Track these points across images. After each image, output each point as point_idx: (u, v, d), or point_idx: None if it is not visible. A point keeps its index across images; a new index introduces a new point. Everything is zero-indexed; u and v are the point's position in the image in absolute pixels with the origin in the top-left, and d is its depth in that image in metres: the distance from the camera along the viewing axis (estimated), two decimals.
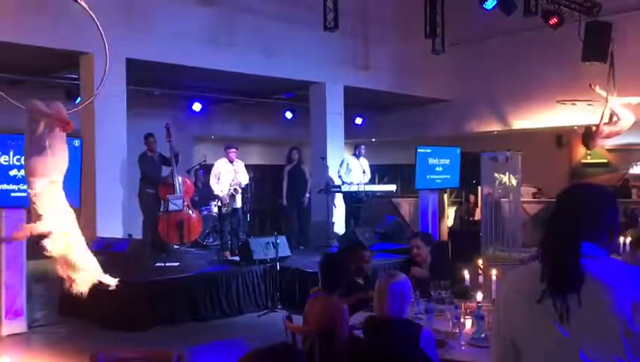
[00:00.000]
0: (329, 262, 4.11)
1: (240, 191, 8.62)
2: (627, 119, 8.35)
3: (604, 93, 8.36)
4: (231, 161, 8.68)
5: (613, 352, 1.62)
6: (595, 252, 1.70)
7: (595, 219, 1.74)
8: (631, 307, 1.60)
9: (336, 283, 3.93)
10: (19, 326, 6.47)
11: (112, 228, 8.22)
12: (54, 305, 7.52)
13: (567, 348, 1.66)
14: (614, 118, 8.44)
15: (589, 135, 8.49)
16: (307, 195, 9.97)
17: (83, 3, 3.89)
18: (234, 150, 8.74)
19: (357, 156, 10.19)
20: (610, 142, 13.21)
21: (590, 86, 8.43)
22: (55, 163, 3.88)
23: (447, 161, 10.82)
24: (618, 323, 1.60)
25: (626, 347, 1.60)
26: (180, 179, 8.97)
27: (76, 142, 6.42)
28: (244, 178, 8.73)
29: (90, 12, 3.95)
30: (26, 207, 6.55)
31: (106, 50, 4.07)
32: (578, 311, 1.64)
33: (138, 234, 8.88)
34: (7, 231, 6.40)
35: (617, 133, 8.69)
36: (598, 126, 8.35)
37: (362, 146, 10.29)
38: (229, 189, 8.52)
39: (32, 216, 3.65)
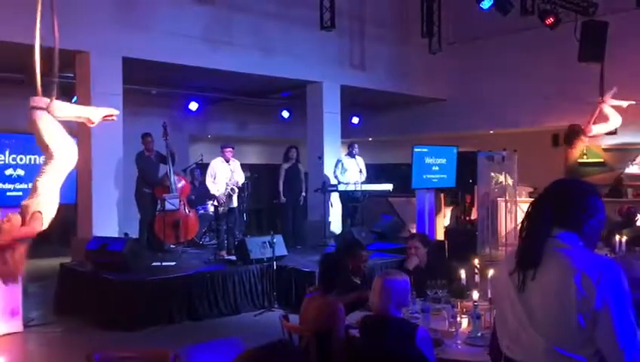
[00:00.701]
0: (328, 261, 4.11)
1: (237, 190, 8.61)
2: (616, 121, 8.43)
3: (623, 104, 8.43)
4: (227, 161, 8.67)
5: (568, 319, 1.87)
6: (567, 240, 1.97)
7: (564, 210, 2.01)
8: (587, 286, 1.84)
9: (334, 283, 3.94)
10: (15, 325, 6.45)
11: (108, 227, 8.21)
12: (50, 305, 7.51)
13: (522, 316, 1.97)
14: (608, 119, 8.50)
15: (574, 133, 8.54)
16: (303, 194, 9.97)
17: None
18: (230, 149, 8.73)
19: (352, 155, 10.19)
20: (605, 142, 13.25)
21: (601, 99, 8.46)
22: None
23: (444, 161, 10.84)
24: (574, 301, 1.85)
25: (581, 322, 1.85)
26: (177, 178, 8.96)
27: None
28: (240, 177, 8.73)
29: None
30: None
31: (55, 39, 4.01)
32: (532, 284, 1.95)
33: (134, 234, 8.87)
34: None
35: (602, 134, 8.83)
36: (587, 124, 8.39)
37: (355, 145, 10.29)
38: (226, 189, 8.51)
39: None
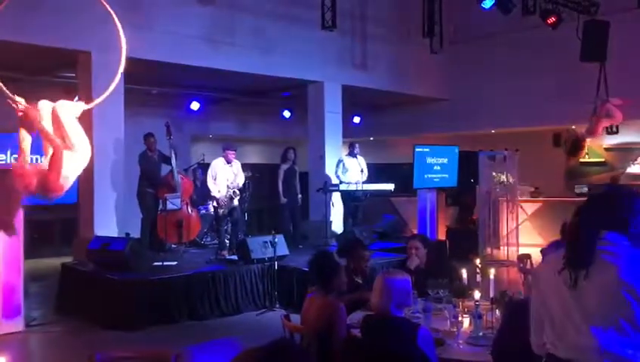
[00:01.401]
0: (318, 261, 4.09)
1: (239, 193, 8.61)
2: (619, 118, 8.47)
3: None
4: (228, 162, 8.67)
5: (619, 316, 2.00)
6: (614, 239, 2.12)
7: (612, 213, 2.18)
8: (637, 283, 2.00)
9: (330, 281, 3.90)
10: (16, 325, 6.46)
11: (109, 226, 8.21)
12: (51, 304, 7.52)
13: (574, 313, 2.09)
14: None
15: (579, 146, 8.57)
16: (299, 196, 9.97)
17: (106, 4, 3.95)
18: (233, 152, 8.70)
19: (353, 155, 10.19)
20: (607, 142, 13.25)
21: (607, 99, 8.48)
22: None
23: (445, 160, 10.83)
24: (624, 299, 2.00)
25: (636, 311, 1.98)
26: (180, 177, 8.96)
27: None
28: (240, 178, 8.73)
29: (113, 13, 3.99)
30: (24, 206, 6.56)
31: (122, 49, 4.09)
32: (585, 283, 2.07)
33: (136, 233, 8.87)
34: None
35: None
36: (596, 125, 8.39)
37: (356, 145, 10.28)
38: (228, 192, 8.50)
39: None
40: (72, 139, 3.79)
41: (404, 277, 3.43)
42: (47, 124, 3.86)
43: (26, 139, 3.84)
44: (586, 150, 8.87)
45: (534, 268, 2.40)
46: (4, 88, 3.98)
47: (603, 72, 8.76)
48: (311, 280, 4.06)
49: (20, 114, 3.85)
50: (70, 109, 4.13)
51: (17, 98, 3.99)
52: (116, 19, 3.87)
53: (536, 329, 2.31)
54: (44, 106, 4.09)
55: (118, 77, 4.35)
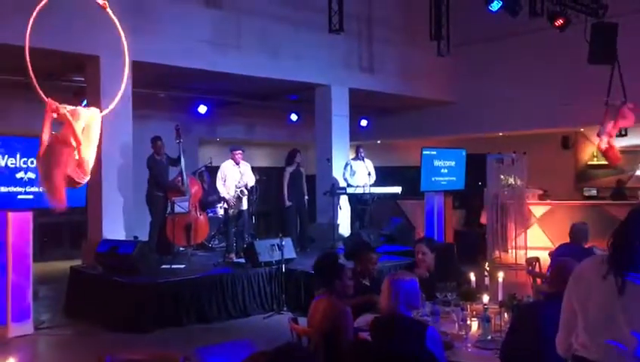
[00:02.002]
0: (321, 262, 4.10)
1: (246, 193, 8.62)
2: (630, 121, 8.50)
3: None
4: (237, 163, 8.69)
5: None
6: None
7: None
8: None
9: (332, 283, 3.88)
10: (25, 328, 6.50)
11: (118, 230, 8.24)
12: (60, 307, 7.55)
13: (619, 316, 2.10)
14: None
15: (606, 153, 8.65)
16: (306, 198, 9.95)
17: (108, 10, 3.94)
18: (240, 152, 8.74)
19: (360, 159, 10.18)
20: (616, 144, 13.17)
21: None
22: None
23: (453, 163, 10.81)
24: None
25: None
26: (189, 180, 8.97)
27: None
28: (250, 179, 8.74)
29: (114, 18, 3.99)
30: (33, 209, 6.60)
31: (125, 54, 4.09)
32: (632, 288, 2.10)
33: (144, 236, 8.90)
34: (15, 235, 6.43)
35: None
36: (614, 128, 8.42)
37: (361, 149, 10.30)
38: (235, 191, 8.53)
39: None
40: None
41: (412, 278, 3.44)
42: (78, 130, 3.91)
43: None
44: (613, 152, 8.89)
45: (574, 270, 2.39)
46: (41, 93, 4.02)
47: (618, 73, 8.73)
48: (315, 282, 4.06)
49: (55, 116, 3.88)
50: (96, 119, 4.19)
51: (63, 107, 4.03)
52: (119, 26, 3.87)
53: (564, 329, 2.31)
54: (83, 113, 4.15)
55: (124, 85, 4.33)
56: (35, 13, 3.86)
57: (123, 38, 4.02)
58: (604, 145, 8.61)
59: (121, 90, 4.28)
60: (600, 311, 2.16)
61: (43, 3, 3.88)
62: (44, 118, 3.82)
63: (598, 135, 8.69)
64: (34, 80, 3.87)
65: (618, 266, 2.13)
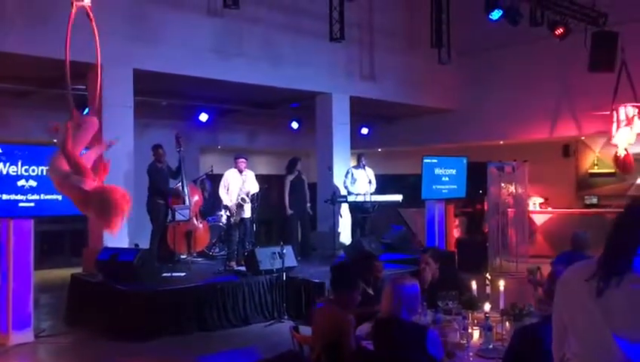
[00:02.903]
0: (341, 271, 4.10)
1: (248, 200, 8.62)
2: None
3: None
4: (240, 171, 8.71)
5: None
6: None
7: None
8: None
9: (345, 294, 3.88)
10: (26, 336, 6.48)
11: (118, 237, 8.22)
12: (61, 315, 7.54)
13: (601, 325, 2.05)
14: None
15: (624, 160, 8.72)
16: (308, 205, 9.95)
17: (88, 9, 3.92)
18: (243, 160, 8.76)
19: (361, 166, 10.19)
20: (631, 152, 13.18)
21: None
22: None
23: (454, 171, 10.81)
24: None
25: None
26: (190, 188, 8.98)
27: (83, 152, 6.46)
28: (253, 187, 8.75)
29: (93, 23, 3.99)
30: (34, 217, 6.61)
31: (98, 59, 4.09)
32: (615, 291, 2.01)
33: (145, 244, 8.89)
34: (15, 243, 6.43)
35: None
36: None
37: (363, 158, 10.32)
38: (237, 198, 8.54)
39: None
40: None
41: (413, 282, 3.48)
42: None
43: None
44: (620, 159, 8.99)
45: (560, 278, 2.36)
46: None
47: (628, 77, 8.78)
48: (332, 285, 4.05)
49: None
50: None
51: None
52: (95, 28, 3.87)
53: (556, 340, 2.29)
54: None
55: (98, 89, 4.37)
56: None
57: (98, 42, 4.01)
58: (621, 153, 8.65)
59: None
60: (584, 319, 2.13)
61: None
62: (67, 130, 3.82)
63: (611, 141, 8.76)
64: (69, 90, 3.90)
65: (604, 265, 2.10)
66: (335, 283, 3.98)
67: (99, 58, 4.04)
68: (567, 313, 2.21)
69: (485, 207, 11.83)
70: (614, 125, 9.23)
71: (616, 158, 9.10)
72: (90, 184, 3.76)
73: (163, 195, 8.81)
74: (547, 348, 2.47)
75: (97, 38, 3.94)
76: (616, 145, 8.85)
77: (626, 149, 8.68)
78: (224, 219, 9.53)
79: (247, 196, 8.62)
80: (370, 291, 4.80)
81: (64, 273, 8.81)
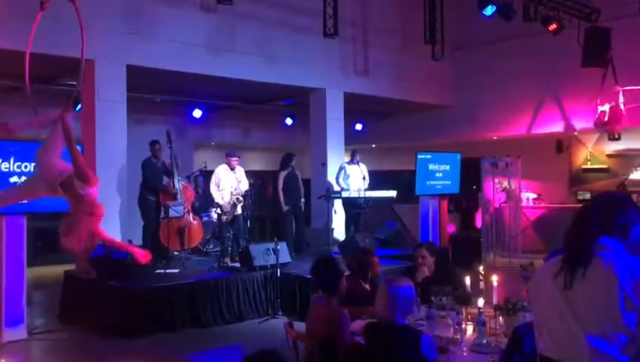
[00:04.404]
0: (322, 267, 4.07)
1: (242, 200, 8.60)
2: None
3: None
4: (232, 169, 8.68)
5: (609, 319, 2.03)
6: (609, 244, 2.16)
7: (607, 219, 2.21)
8: (634, 285, 2.02)
9: (335, 286, 3.88)
10: (19, 333, 6.46)
11: (111, 234, 8.19)
12: (54, 312, 7.51)
13: (566, 314, 2.13)
14: None
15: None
16: (302, 200, 9.94)
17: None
18: (236, 158, 8.73)
19: (355, 163, 10.19)
20: (609, 148, 13.24)
21: None
22: None
23: (448, 167, 10.82)
24: (618, 300, 2.02)
25: (626, 320, 2.01)
26: (181, 185, 8.97)
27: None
28: (244, 185, 8.73)
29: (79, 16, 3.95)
30: (27, 214, 6.58)
31: (82, 53, 4.06)
32: (582, 283, 2.10)
33: (138, 241, 8.87)
34: (8, 240, 6.41)
35: None
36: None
37: (357, 154, 10.32)
38: (231, 198, 8.51)
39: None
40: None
41: (408, 283, 3.44)
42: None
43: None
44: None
45: (534, 275, 2.43)
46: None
47: (612, 72, 8.79)
48: (314, 285, 4.04)
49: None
50: None
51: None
52: (82, 23, 3.84)
53: (537, 333, 2.35)
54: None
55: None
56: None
57: (84, 37, 3.98)
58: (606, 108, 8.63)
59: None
60: (553, 311, 2.20)
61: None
62: (66, 123, 3.80)
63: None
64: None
65: (567, 259, 2.18)
66: (325, 280, 3.96)
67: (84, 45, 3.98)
68: (539, 310, 2.31)
69: (479, 202, 11.85)
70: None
71: (601, 116, 8.96)
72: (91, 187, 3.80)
73: (154, 191, 8.79)
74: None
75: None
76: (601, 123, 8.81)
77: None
78: (215, 216, 9.51)
79: (241, 196, 8.61)
80: (367, 287, 4.78)
81: (57, 270, 8.77)
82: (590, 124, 9.28)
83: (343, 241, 9.66)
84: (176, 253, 8.88)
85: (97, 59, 8.16)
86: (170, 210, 8.23)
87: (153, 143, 8.94)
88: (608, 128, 9.23)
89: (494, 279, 4.40)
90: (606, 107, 8.60)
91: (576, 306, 2.12)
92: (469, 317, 4.07)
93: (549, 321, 2.23)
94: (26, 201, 4.16)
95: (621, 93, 8.63)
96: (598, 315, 2.08)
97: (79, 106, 8.46)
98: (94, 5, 7.70)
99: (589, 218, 2.25)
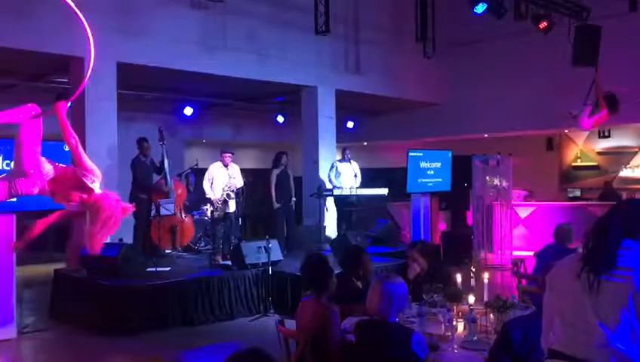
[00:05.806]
0: (311, 264, 4.07)
1: (233, 196, 8.58)
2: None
3: None
4: (225, 166, 8.67)
5: (629, 319, 2.15)
6: (631, 245, 2.27)
7: (632, 223, 2.31)
8: None
9: (325, 284, 3.88)
10: (8, 332, 6.41)
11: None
12: (45, 311, 7.47)
13: (588, 313, 2.22)
14: None
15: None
16: (293, 199, 9.94)
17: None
18: (229, 155, 8.71)
19: (346, 160, 10.20)
20: (599, 146, 13.33)
21: None
22: None
23: (439, 165, 10.86)
24: (630, 293, 2.16)
25: (632, 310, 2.15)
26: (173, 183, 8.94)
27: (66, 147, 6.38)
28: (238, 182, 8.72)
29: (78, 12, 3.89)
30: (16, 212, 6.53)
31: (92, 52, 4.00)
32: (606, 284, 2.21)
33: (129, 239, 8.84)
34: None
35: None
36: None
37: (348, 151, 10.33)
38: (222, 193, 8.50)
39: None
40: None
41: (401, 281, 3.44)
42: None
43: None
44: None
45: (552, 270, 2.53)
46: None
47: (598, 75, 8.83)
48: (304, 283, 4.03)
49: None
50: None
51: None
52: (86, 24, 3.79)
53: (546, 328, 2.42)
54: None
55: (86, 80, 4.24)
56: None
57: (91, 38, 3.92)
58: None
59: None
60: (573, 308, 2.29)
61: None
62: (63, 120, 3.75)
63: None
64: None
65: (592, 262, 2.27)
66: (315, 278, 3.95)
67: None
68: (557, 303, 2.37)
69: (470, 200, 11.89)
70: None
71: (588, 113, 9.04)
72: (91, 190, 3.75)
73: (145, 189, 8.75)
74: (537, 338, 2.55)
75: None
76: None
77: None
78: (208, 213, 9.50)
79: (233, 192, 8.59)
80: (359, 284, 4.78)
81: (48, 268, 8.73)
82: (579, 123, 9.32)
83: (334, 239, 9.67)
84: (167, 251, 8.86)
85: (87, 56, 8.11)
86: (161, 208, 8.21)
87: (141, 141, 8.88)
88: (594, 123, 9.30)
89: (485, 276, 4.43)
90: (594, 105, 8.65)
91: (599, 306, 2.21)
92: (460, 314, 4.09)
93: (566, 318, 2.31)
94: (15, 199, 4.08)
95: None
96: (616, 316, 2.17)
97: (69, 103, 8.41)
98: (84, 1, 7.65)
99: (613, 221, 2.34)
